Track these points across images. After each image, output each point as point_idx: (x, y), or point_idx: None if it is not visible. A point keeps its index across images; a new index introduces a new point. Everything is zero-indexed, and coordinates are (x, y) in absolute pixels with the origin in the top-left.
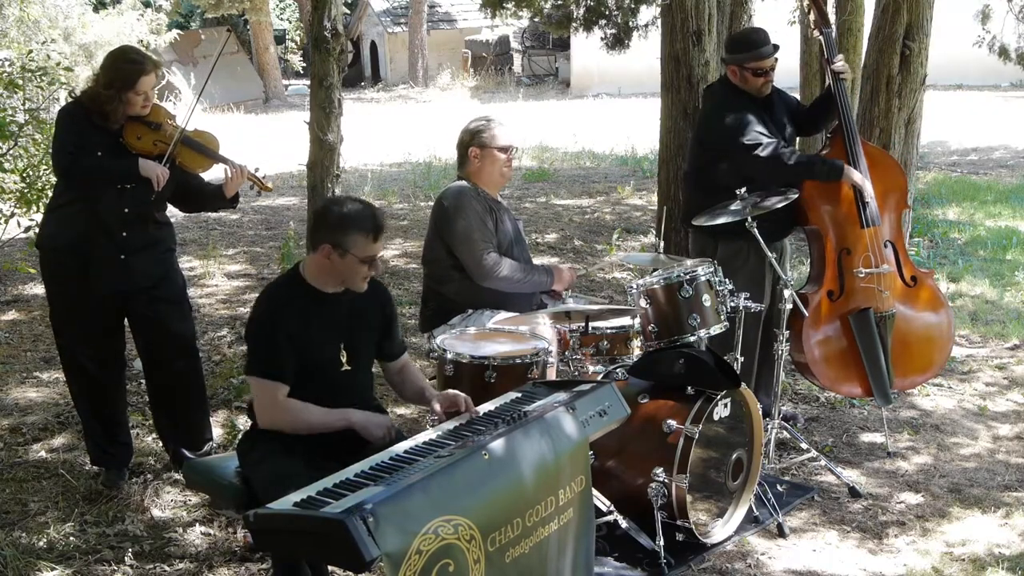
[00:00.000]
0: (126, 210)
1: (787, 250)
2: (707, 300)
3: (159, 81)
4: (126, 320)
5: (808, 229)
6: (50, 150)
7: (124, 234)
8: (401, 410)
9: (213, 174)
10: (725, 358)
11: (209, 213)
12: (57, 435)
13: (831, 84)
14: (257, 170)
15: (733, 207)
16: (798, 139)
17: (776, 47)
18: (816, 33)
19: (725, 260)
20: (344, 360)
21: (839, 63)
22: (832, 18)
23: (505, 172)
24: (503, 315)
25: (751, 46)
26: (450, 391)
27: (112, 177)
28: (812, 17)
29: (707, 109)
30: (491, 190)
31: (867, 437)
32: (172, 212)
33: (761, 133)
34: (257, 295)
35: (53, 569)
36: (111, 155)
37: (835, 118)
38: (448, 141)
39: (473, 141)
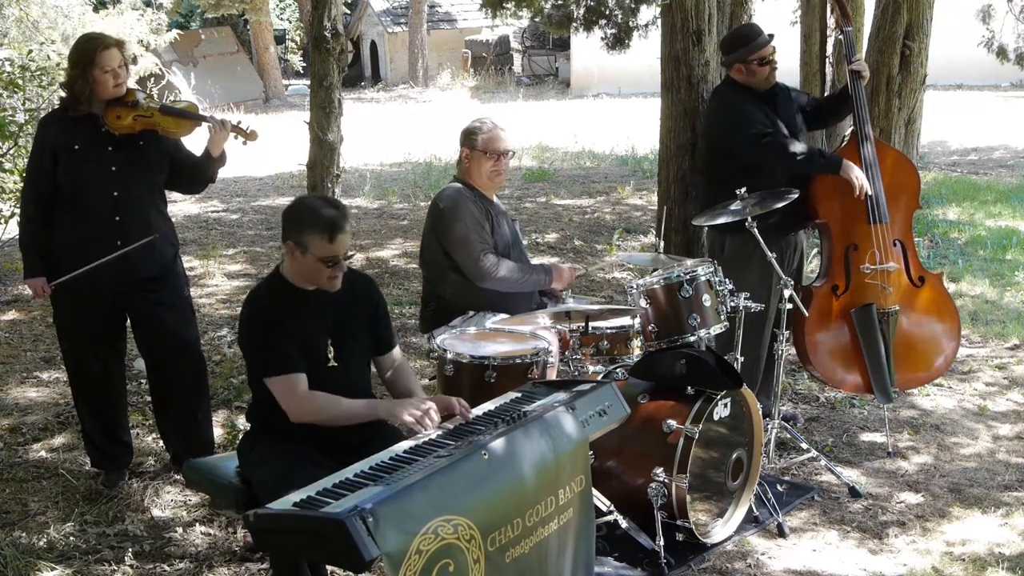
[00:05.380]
0: (115, 193)
1: (800, 245)
2: (707, 300)
3: (125, 58)
4: (127, 321)
5: (818, 223)
6: None
7: (117, 219)
8: None
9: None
10: (726, 358)
11: (211, 214)
12: (57, 435)
13: (848, 83)
14: (240, 122)
15: (733, 207)
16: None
17: (771, 36)
18: (837, 33)
19: (734, 255)
20: (331, 356)
21: (857, 63)
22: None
23: (493, 177)
24: (503, 318)
25: (749, 40)
26: (442, 396)
27: (23, 255)
28: (835, 17)
29: (712, 107)
30: (485, 192)
31: (867, 437)
32: (172, 212)
33: (764, 124)
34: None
35: (53, 569)
36: (91, 145)
37: (844, 116)
38: (448, 141)
39: (465, 142)
